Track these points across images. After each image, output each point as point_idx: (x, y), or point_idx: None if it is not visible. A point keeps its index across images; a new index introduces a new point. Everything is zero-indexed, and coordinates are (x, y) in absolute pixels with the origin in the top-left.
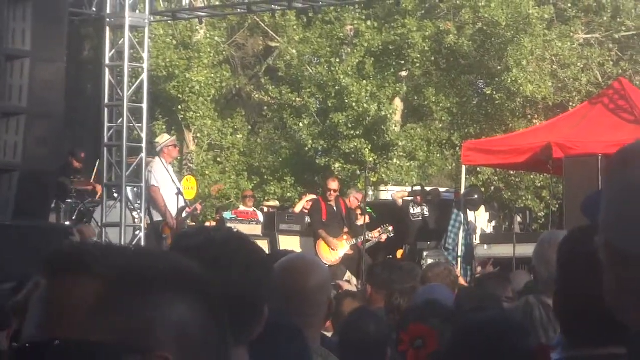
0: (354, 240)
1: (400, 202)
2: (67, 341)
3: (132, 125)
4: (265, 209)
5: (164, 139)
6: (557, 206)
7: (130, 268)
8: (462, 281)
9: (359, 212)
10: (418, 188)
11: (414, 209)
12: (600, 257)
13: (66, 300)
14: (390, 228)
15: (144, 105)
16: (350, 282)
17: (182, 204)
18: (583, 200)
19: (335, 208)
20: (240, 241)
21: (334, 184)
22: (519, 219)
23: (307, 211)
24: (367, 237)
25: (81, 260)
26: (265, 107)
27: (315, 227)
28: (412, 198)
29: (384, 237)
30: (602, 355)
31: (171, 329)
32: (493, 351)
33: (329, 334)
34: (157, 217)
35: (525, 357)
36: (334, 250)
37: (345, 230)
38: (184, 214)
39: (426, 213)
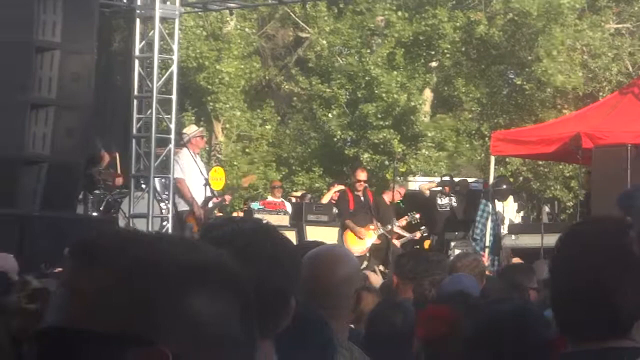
0: (381, 230)
1: (427, 193)
2: (67, 329)
3: (160, 116)
4: (293, 200)
5: (191, 129)
6: (583, 196)
7: (146, 258)
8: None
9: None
10: (447, 178)
11: (441, 200)
12: (634, 249)
13: (77, 288)
14: (417, 216)
15: (173, 97)
16: (376, 272)
17: (209, 194)
18: (620, 194)
19: (362, 198)
20: (268, 232)
21: (362, 175)
22: (547, 209)
23: (334, 202)
24: (395, 225)
25: (93, 250)
26: (295, 98)
27: (342, 217)
28: (440, 188)
29: (418, 234)
30: (609, 349)
31: (186, 323)
32: (515, 340)
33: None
34: (182, 207)
35: (544, 347)
36: (361, 239)
37: (373, 220)
38: (210, 204)
39: (454, 204)
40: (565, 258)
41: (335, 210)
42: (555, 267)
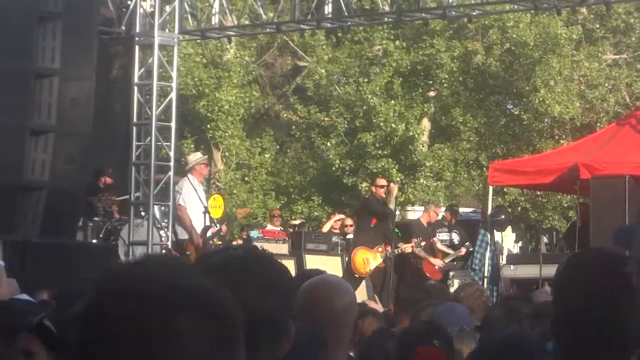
0: (387, 254)
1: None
2: None
3: (160, 143)
4: (291, 229)
5: (196, 157)
6: (566, 228)
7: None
8: None
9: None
10: (454, 208)
11: (441, 234)
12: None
13: None
14: (423, 243)
15: (172, 124)
16: (375, 300)
17: (208, 222)
18: (616, 230)
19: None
20: (259, 259)
21: (383, 181)
22: (545, 239)
23: (335, 230)
24: (401, 249)
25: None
26: (293, 127)
27: (360, 232)
28: (440, 218)
29: (464, 250)
30: None
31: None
32: None
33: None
34: (182, 235)
35: None
36: (367, 264)
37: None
38: (208, 233)
39: (455, 240)
40: (567, 283)
41: (334, 239)
42: (557, 291)
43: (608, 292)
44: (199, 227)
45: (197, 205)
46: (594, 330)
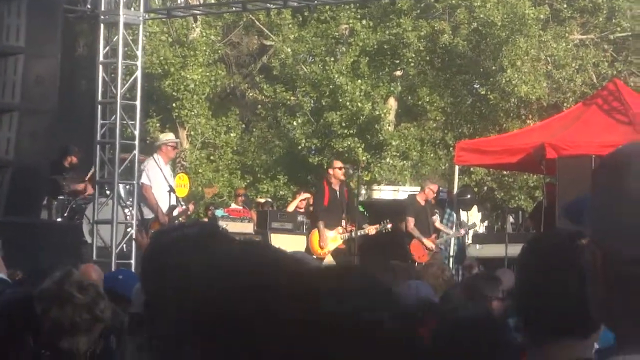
0: (347, 235)
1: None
2: None
3: (125, 122)
4: (260, 207)
5: (167, 137)
6: (535, 205)
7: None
8: None
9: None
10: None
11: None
12: (587, 262)
13: None
14: (389, 226)
15: (138, 103)
16: None
17: (173, 202)
18: (565, 205)
19: (338, 194)
20: (212, 236)
21: (338, 163)
22: (511, 219)
23: (300, 210)
24: (365, 230)
25: None
26: (259, 106)
27: (315, 214)
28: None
29: (462, 232)
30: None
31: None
32: (475, 344)
33: None
34: (148, 215)
35: (505, 351)
36: (325, 246)
37: (344, 218)
38: (175, 212)
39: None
40: (529, 261)
41: (299, 218)
42: (520, 269)
43: (569, 270)
44: (164, 206)
45: (162, 184)
46: (554, 306)
